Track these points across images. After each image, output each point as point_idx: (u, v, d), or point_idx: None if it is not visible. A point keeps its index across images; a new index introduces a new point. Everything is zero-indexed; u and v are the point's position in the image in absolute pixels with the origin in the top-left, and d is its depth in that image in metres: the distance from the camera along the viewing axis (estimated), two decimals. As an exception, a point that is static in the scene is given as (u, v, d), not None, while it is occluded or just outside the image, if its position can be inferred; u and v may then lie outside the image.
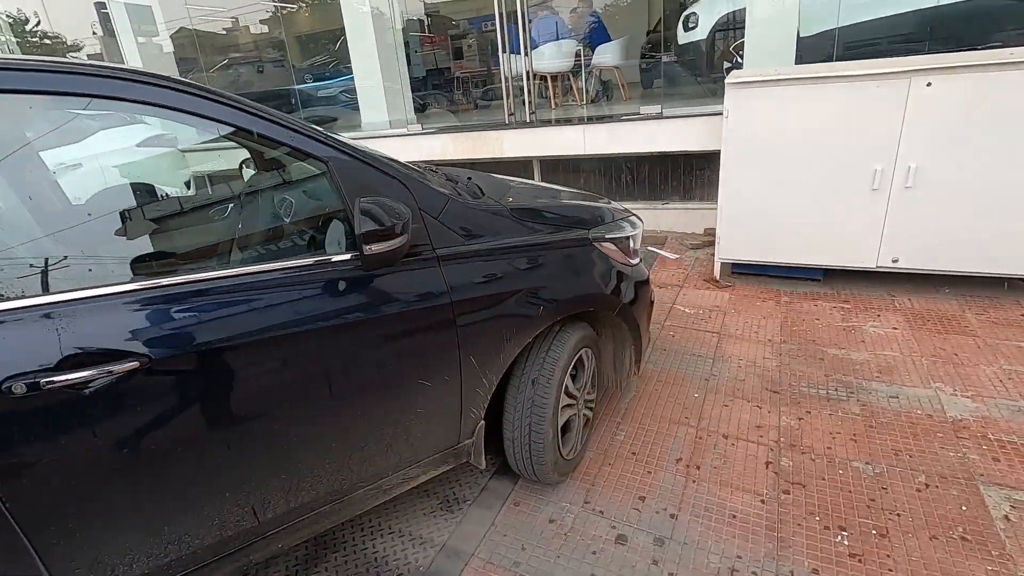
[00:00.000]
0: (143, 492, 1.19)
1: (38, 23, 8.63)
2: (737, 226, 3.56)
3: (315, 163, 1.41)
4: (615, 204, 2.39)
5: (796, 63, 4.34)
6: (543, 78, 6.91)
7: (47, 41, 8.53)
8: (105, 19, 7.35)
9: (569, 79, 6.90)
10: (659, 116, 4.35)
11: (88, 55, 7.65)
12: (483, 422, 1.77)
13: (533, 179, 5.35)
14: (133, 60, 7.17)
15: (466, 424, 1.73)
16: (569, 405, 1.97)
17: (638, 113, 4.46)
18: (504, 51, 4.96)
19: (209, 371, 1.21)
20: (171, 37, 7.52)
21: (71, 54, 7.67)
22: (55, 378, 1.01)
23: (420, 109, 7.99)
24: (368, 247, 1.27)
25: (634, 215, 2.33)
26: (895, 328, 3.03)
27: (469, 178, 1.97)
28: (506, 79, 5.01)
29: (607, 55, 6.93)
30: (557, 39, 6.83)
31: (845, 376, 2.63)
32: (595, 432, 2.35)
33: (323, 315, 1.34)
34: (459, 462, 1.80)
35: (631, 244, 2.15)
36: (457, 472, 2.16)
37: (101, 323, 1.10)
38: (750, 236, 3.55)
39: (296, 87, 7.32)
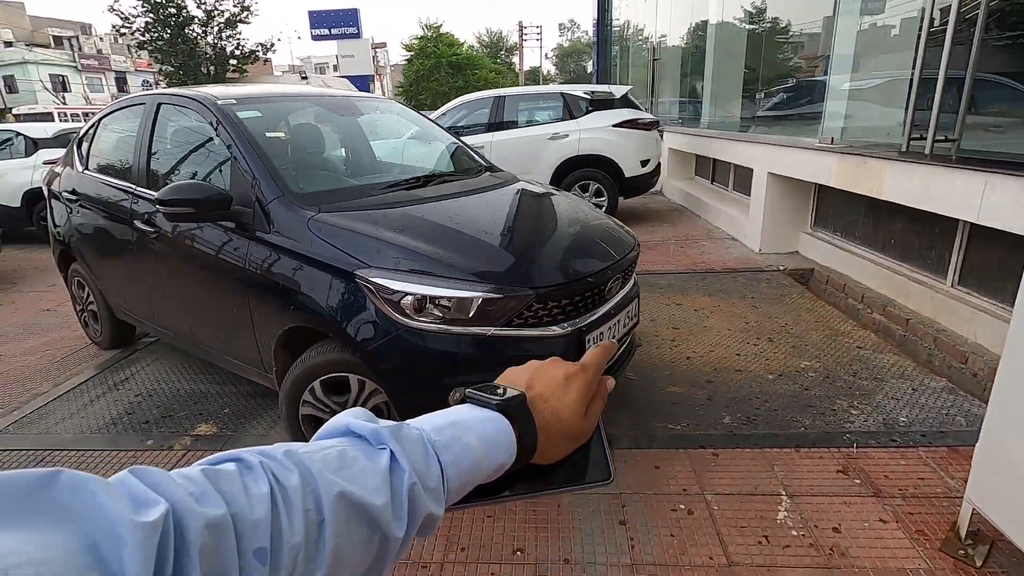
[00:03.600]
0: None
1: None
2: None
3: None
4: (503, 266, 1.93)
5: None
6: None
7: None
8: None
9: None
10: None
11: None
12: (275, 368, 2.30)
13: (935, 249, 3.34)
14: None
15: (265, 357, 2.32)
16: (317, 408, 2.12)
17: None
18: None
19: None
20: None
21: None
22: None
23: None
24: (160, 207, 2.14)
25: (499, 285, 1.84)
26: None
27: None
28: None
29: None
30: None
31: None
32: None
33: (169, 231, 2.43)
34: (272, 386, 2.41)
35: (404, 301, 1.81)
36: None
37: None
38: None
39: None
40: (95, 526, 0.26)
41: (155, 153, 2.76)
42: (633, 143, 6.46)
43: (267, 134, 2.52)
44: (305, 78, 20.04)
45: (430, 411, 1.70)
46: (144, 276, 2.84)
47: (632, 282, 2.46)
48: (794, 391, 2.79)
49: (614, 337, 2.23)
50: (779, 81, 6.67)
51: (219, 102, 2.48)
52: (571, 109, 6.59)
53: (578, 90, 6.80)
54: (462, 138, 6.55)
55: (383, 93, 39.95)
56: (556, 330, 1.98)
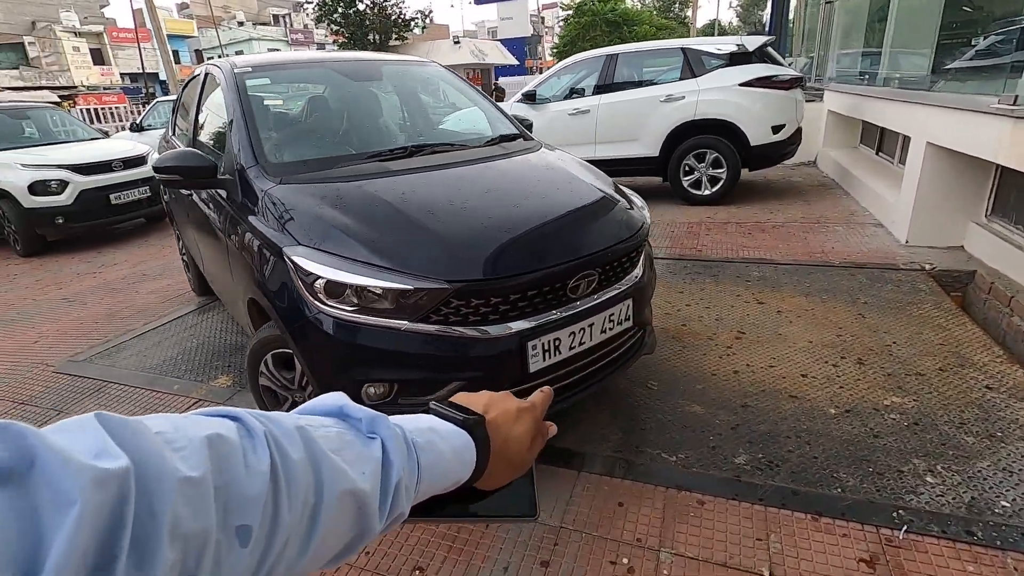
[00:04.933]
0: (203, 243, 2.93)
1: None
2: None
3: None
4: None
5: None
6: None
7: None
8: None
9: None
10: None
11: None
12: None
13: None
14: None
15: (248, 312, 2.36)
16: (270, 381, 2.11)
17: None
18: None
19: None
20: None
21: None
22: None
23: None
24: (156, 174, 2.24)
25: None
26: None
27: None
28: None
29: None
30: None
31: None
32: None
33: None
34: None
35: (317, 284, 1.65)
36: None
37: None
38: None
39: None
40: (34, 481, 0.24)
41: (200, 119, 2.95)
42: (763, 105, 5.48)
43: (265, 102, 2.52)
44: (457, 42, 20.65)
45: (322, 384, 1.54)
46: (190, 233, 3.11)
47: (629, 279, 2.03)
48: (856, 435, 2.13)
49: (581, 344, 1.87)
50: (975, 24, 5.08)
51: (236, 70, 2.54)
52: (692, 66, 5.76)
53: (705, 44, 5.92)
54: (574, 99, 6.25)
55: (545, 55, 39.61)
56: (488, 331, 1.70)
